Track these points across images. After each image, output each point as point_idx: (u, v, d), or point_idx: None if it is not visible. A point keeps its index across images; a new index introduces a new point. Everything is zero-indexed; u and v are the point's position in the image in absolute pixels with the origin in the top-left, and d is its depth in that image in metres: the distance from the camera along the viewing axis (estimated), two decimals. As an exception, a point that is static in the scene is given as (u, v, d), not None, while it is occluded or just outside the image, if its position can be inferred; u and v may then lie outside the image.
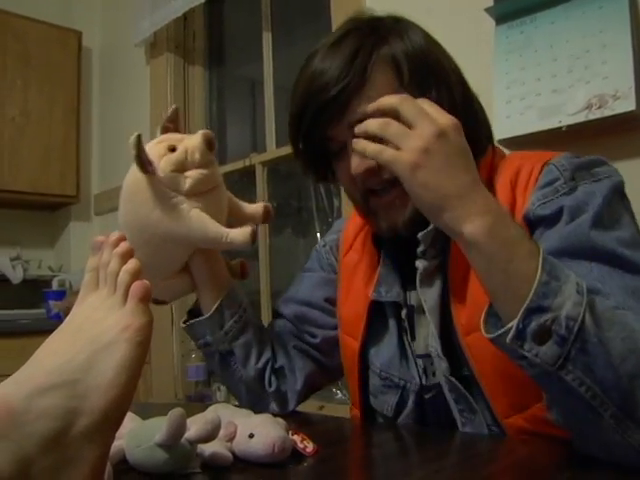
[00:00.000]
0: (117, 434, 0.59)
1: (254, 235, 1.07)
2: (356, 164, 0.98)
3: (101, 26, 4.18)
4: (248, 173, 3.17)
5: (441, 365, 1.00)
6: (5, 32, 3.60)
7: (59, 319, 3.38)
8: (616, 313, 0.76)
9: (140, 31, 3.54)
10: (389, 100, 0.86)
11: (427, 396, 1.06)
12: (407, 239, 1.02)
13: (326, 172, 1.11)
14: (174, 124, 1.18)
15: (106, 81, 4.13)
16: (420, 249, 0.99)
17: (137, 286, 0.63)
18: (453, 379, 0.99)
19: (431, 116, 0.82)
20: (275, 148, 3.07)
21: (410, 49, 0.99)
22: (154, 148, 1.08)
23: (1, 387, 0.55)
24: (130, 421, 0.85)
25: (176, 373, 3.33)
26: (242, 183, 3.30)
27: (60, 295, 3.54)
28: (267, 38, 3.19)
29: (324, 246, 1.32)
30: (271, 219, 1.20)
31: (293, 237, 3.19)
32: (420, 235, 0.97)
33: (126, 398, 0.57)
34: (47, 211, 4.09)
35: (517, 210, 0.95)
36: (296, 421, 0.96)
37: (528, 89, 1.70)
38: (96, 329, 0.60)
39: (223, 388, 3.09)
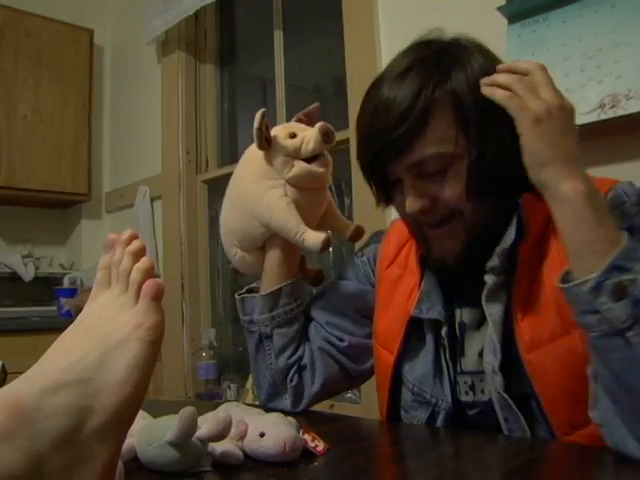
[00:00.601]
0: (128, 432, 0.59)
1: (326, 243, 1.12)
2: (411, 204, 1.01)
3: (113, 24, 4.19)
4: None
5: (495, 381, 0.99)
6: (17, 30, 3.61)
7: (70, 317, 3.39)
8: None
9: (151, 29, 3.54)
10: (525, 64, 0.94)
11: (471, 412, 1.06)
12: None
13: (387, 198, 1.11)
14: (308, 119, 1.21)
15: (117, 79, 4.13)
16: (491, 264, 1.00)
17: (149, 285, 0.63)
18: (506, 396, 0.98)
19: (557, 90, 0.91)
20: (286, 147, 3.06)
21: (472, 80, 0.98)
22: (277, 130, 1.16)
23: (13, 385, 0.55)
24: (141, 419, 0.85)
25: (186, 371, 3.34)
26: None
27: (71, 293, 3.56)
28: (278, 36, 3.18)
29: (362, 257, 1.32)
30: (359, 239, 1.27)
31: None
32: (497, 250, 0.99)
33: (138, 397, 0.57)
34: (58, 209, 4.10)
35: None
36: (307, 420, 0.96)
37: (540, 88, 1.69)
38: (108, 327, 0.60)
39: (233, 386, 3.09)
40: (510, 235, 0.98)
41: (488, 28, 1.90)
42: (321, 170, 1.15)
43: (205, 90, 3.61)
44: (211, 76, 3.63)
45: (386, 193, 1.09)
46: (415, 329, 1.12)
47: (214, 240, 3.52)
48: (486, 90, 0.94)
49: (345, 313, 1.27)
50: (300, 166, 1.13)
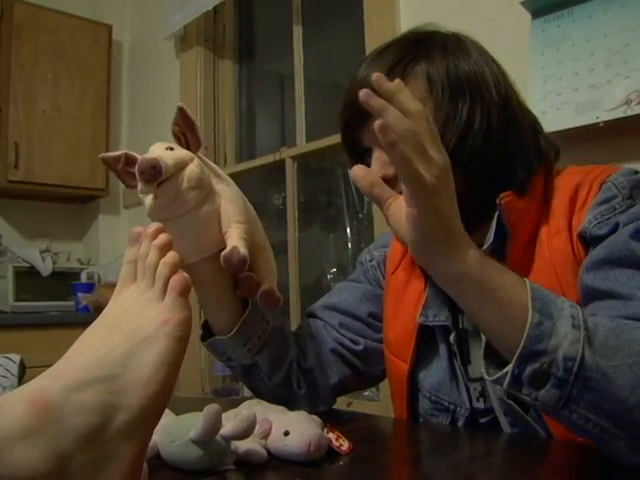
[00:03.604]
0: (153, 430, 0.58)
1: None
2: (375, 170, 0.98)
3: (131, 20, 4.20)
4: (278, 167, 3.16)
5: (496, 388, 0.98)
6: (36, 26, 3.63)
7: (87, 312, 3.41)
8: (622, 337, 0.73)
9: (170, 25, 3.55)
10: (406, 101, 0.75)
11: (483, 420, 1.04)
12: None
13: None
14: (186, 134, 0.96)
15: (136, 74, 4.14)
16: None
17: (176, 279, 0.61)
18: (511, 402, 0.96)
19: (440, 144, 0.77)
20: (305, 143, 3.05)
21: (452, 69, 0.97)
22: None
23: (38, 381, 0.54)
24: (164, 416, 0.84)
25: (203, 367, 3.34)
26: (272, 177, 3.29)
27: (89, 287, 3.57)
28: (298, 32, 3.18)
29: (371, 261, 1.29)
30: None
31: (322, 232, 3.18)
32: None
33: (165, 394, 0.56)
34: (76, 204, 4.12)
35: (573, 228, 0.94)
36: (327, 418, 0.95)
37: (565, 84, 1.67)
38: (134, 323, 0.59)
39: (250, 383, 3.08)
40: (489, 239, 0.94)
41: (511, 23, 1.89)
42: (149, 203, 0.91)
43: (223, 86, 3.61)
44: (229, 72, 3.63)
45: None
46: (426, 336, 1.09)
47: (231, 236, 3.51)
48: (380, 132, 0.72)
49: (358, 316, 1.24)
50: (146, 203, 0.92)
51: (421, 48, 0.99)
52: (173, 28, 3.53)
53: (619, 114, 1.57)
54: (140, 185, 0.89)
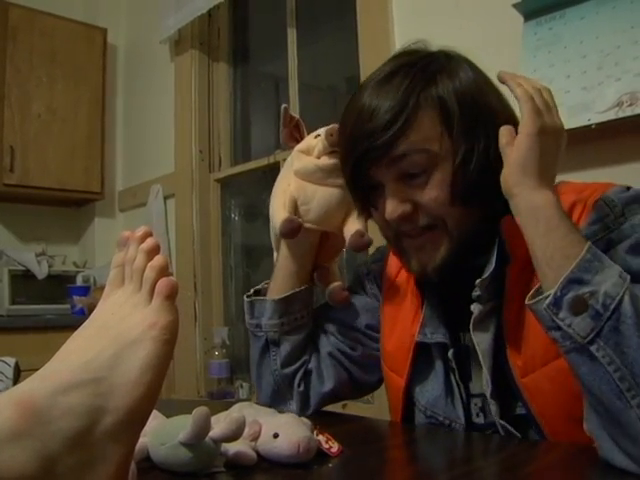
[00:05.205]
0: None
1: (286, 224, 1.13)
2: (391, 209, 0.98)
3: (126, 23, 4.20)
4: (272, 170, 3.16)
5: (491, 407, 0.99)
6: (31, 29, 3.62)
7: (83, 314, 3.41)
8: None
9: (165, 28, 3.55)
10: (536, 82, 0.95)
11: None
12: (452, 281, 1.03)
13: (368, 207, 1.09)
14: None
15: (131, 78, 4.14)
16: (476, 294, 0.98)
17: (163, 283, 0.62)
18: (503, 422, 0.97)
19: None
20: (299, 145, 3.05)
21: (459, 89, 0.98)
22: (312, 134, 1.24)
23: (25, 384, 0.54)
24: (153, 418, 0.84)
25: (198, 369, 3.34)
26: (266, 180, 3.29)
27: (84, 291, 3.57)
28: (292, 35, 3.18)
29: (368, 274, 1.29)
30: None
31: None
32: (477, 282, 0.97)
33: (151, 397, 0.56)
34: (72, 207, 4.12)
35: None
36: (319, 420, 0.95)
37: (557, 86, 1.67)
38: (121, 326, 0.59)
39: (245, 385, 3.09)
40: (491, 264, 0.97)
41: (503, 25, 1.89)
42: (317, 162, 1.13)
43: (218, 89, 3.61)
44: (224, 75, 3.63)
45: (368, 203, 1.07)
46: (422, 352, 1.10)
47: (227, 239, 3.52)
48: (508, 79, 0.94)
49: (356, 327, 1.25)
50: (301, 159, 1.15)
51: (428, 73, 0.98)
52: (168, 31, 3.53)
53: (611, 116, 1.57)
54: (320, 143, 1.14)
